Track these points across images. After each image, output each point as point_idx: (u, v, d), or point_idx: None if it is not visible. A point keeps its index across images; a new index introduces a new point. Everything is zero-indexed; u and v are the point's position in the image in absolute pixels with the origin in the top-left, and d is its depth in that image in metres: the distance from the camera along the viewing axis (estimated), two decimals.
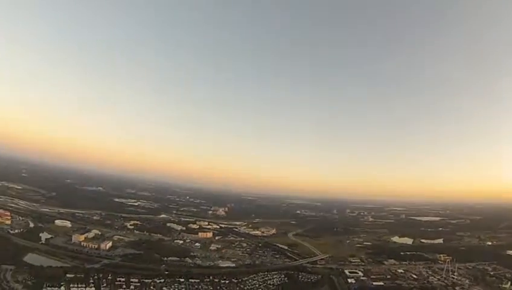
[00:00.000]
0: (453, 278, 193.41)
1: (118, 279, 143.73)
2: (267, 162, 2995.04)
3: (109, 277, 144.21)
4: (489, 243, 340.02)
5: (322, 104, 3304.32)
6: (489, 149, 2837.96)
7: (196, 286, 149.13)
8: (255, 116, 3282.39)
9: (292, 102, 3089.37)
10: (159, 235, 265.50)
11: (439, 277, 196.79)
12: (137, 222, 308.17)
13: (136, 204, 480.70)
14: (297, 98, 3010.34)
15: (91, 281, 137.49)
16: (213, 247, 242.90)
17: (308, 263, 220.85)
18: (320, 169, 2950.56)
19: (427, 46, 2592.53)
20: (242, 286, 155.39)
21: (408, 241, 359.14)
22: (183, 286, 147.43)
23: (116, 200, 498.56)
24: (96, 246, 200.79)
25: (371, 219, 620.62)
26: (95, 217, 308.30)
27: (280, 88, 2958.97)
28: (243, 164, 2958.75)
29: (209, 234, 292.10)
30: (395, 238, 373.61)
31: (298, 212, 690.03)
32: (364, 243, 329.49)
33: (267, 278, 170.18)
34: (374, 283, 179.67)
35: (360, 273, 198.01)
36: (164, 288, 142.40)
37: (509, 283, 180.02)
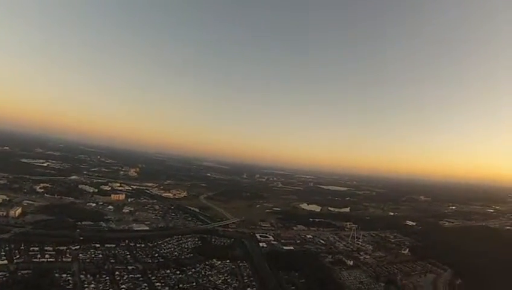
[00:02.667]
0: (358, 244, 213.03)
1: (31, 249, 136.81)
2: (176, 123, 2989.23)
3: (22, 247, 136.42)
4: (391, 214, 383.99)
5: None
6: (393, 131, 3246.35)
7: (113, 251, 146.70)
8: (172, 77, 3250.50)
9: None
10: (70, 198, 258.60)
11: (345, 243, 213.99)
12: (47, 185, 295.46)
13: (45, 165, 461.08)
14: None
15: (2, 253, 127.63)
16: (126, 209, 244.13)
17: (220, 226, 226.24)
18: (229, 132, 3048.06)
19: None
20: (158, 250, 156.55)
21: (316, 208, 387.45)
22: (99, 252, 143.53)
23: (24, 160, 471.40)
24: (4, 214, 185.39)
25: (280, 185, 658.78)
26: (1, 181, 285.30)
27: None
28: (153, 123, 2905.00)
29: (122, 196, 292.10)
30: (304, 205, 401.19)
31: (208, 175, 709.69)
32: (274, 208, 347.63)
33: (181, 241, 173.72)
34: (284, 247, 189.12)
35: (271, 238, 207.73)
36: (80, 255, 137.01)
37: (407, 249, 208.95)
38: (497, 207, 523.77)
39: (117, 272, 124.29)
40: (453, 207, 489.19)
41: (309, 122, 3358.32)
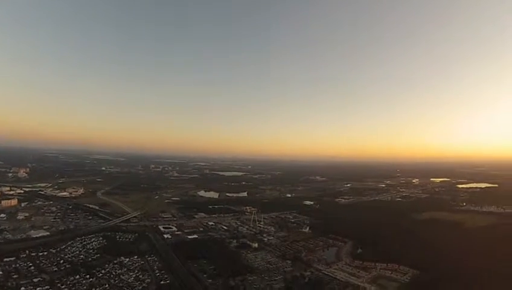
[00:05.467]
0: (260, 226, 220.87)
1: None
2: (64, 116, 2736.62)
3: None
4: (289, 195, 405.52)
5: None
6: (285, 116, 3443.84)
7: (13, 265, 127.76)
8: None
9: None
10: None
11: (247, 227, 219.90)
12: None
13: None
14: None
15: None
16: (21, 216, 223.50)
17: (122, 222, 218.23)
18: (120, 123, 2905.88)
19: None
20: (62, 255, 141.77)
21: (214, 195, 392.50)
22: None
23: None
24: None
25: (176, 174, 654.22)
26: None
27: None
28: (40, 117, 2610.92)
29: (14, 201, 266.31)
30: (202, 193, 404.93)
31: (104, 168, 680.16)
32: (173, 198, 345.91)
33: (85, 242, 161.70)
34: (189, 237, 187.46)
35: (174, 228, 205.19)
36: None
37: (307, 227, 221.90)
38: (387, 182, 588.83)
39: (22, 288, 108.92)
40: (348, 185, 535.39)
41: (202, 110, 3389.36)
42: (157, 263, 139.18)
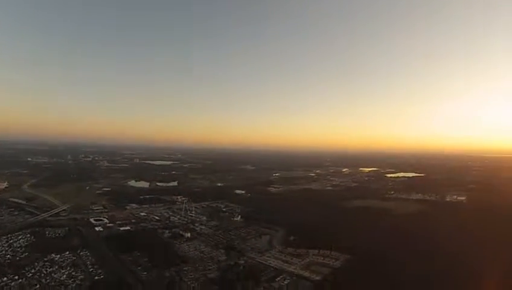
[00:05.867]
0: (192, 216, 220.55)
1: None
2: None
3: None
4: (220, 184, 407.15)
5: None
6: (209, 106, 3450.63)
7: None
8: None
9: None
10: None
11: (179, 217, 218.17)
12: None
13: None
14: None
15: None
16: None
17: (51, 216, 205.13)
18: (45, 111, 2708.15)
19: None
20: None
21: (145, 185, 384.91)
22: None
23: None
24: None
25: (106, 164, 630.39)
26: None
27: None
28: None
29: None
30: (132, 183, 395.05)
31: (29, 159, 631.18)
32: (104, 189, 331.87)
33: (11, 241, 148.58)
34: (121, 229, 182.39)
35: (106, 221, 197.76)
36: None
37: (239, 216, 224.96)
38: (317, 171, 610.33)
39: None
40: (278, 174, 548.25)
41: (132, 98, 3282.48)
42: (90, 258, 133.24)
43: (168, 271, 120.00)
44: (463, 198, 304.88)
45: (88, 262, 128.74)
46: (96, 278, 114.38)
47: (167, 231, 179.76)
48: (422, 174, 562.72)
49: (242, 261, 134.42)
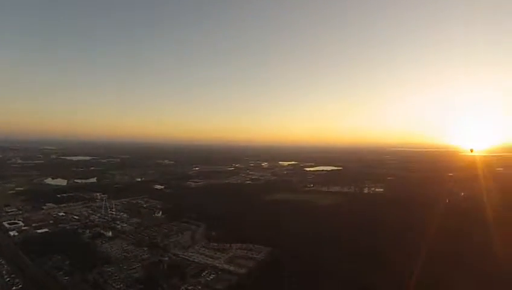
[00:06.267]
0: (112, 213, 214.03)
1: None
2: None
3: None
4: (139, 179, 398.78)
5: None
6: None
7: None
8: None
9: None
10: None
11: (99, 215, 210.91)
12: None
13: None
14: None
15: None
16: None
17: None
18: None
19: None
20: None
21: (62, 182, 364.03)
22: None
23: None
24: None
25: (20, 161, 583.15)
26: None
27: None
28: None
29: None
30: (49, 180, 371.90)
31: None
32: (17, 188, 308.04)
33: None
34: (39, 231, 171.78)
35: (21, 223, 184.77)
36: None
37: (160, 212, 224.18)
38: (236, 165, 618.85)
39: None
40: (197, 168, 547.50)
41: (49, 90, 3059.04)
42: (5, 266, 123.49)
43: (91, 274, 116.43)
44: (381, 190, 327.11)
45: (4, 271, 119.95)
46: (14, 288, 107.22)
47: (88, 231, 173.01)
48: (341, 168, 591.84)
49: (166, 259, 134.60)
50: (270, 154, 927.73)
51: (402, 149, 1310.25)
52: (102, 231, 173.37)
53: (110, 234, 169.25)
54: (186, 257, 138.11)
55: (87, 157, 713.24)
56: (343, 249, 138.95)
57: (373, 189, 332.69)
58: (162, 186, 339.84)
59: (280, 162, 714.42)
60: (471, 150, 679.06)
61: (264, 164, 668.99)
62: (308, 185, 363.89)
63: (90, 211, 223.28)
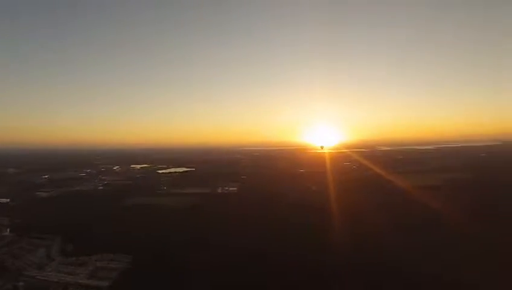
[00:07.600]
0: None
1: None
2: None
3: None
4: None
5: None
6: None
7: None
8: None
9: None
10: None
11: None
12: None
13: None
14: None
15: None
16: None
17: None
18: None
19: None
20: None
21: None
22: None
23: None
24: None
25: None
26: None
27: None
28: None
29: None
30: None
31: None
32: None
33: None
34: None
35: None
36: None
37: (8, 230, 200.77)
38: (88, 171, 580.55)
39: None
40: (46, 176, 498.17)
41: None
42: None
43: None
44: (235, 189, 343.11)
45: None
46: None
47: None
48: (193, 169, 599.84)
49: (21, 283, 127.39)
50: (120, 158, 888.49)
51: (254, 148, 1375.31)
52: None
53: None
54: (45, 278, 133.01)
55: None
56: (210, 250, 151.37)
57: (227, 188, 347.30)
58: (7, 200, 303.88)
59: (132, 166, 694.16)
60: (321, 147, 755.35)
61: (116, 168, 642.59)
62: (163, 188, 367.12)
63: None
